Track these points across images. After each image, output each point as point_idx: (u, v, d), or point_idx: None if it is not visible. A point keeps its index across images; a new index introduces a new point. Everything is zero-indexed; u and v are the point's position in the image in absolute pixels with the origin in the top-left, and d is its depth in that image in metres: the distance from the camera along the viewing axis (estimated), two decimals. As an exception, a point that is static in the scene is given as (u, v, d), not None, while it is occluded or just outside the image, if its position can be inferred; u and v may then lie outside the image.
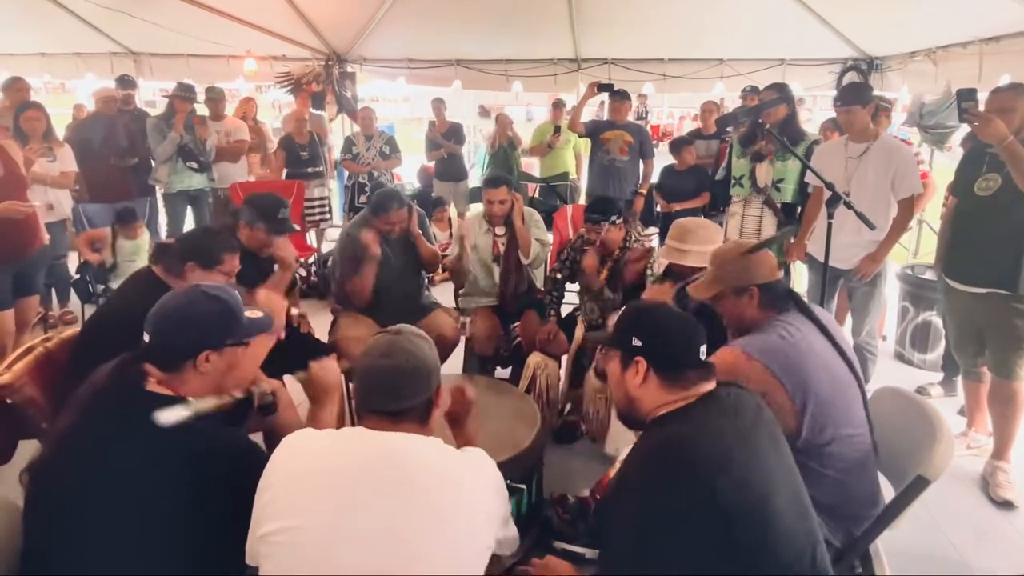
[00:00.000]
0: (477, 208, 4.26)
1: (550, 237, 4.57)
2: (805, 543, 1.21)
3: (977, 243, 2.72)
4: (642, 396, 1.38)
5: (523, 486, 2.25)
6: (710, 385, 1.36)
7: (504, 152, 6.54)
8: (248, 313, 1.56)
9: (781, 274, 1.82)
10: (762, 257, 1.85)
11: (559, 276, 3.20)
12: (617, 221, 2.89)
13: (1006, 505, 2.70)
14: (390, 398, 1.25)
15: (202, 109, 5.34)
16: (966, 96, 2.54)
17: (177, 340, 1.42)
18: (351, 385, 2.13)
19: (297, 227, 3.09)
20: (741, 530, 1.13)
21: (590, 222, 2.92)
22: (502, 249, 3.34)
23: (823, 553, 1.26)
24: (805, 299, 1.87)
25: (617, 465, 2.27)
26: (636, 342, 1.39)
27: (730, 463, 1.18)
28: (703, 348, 1.38)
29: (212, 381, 1.47)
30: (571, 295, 3.36)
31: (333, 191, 6.64)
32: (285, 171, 5.67)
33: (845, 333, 3.49)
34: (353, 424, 1.30)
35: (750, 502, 1.15)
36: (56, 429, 1.38)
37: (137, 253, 4.21)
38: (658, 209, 5.52)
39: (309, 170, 5.73)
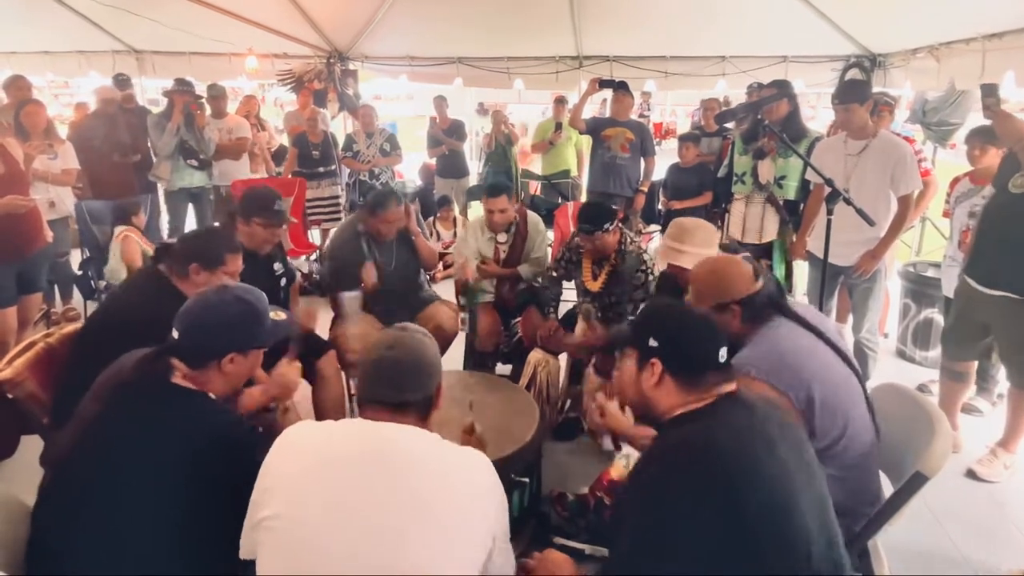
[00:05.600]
0: (478, 208, 4.26)
1: (551, 235, 4.59)
2: (824, 544, 1.19)
3: (1003, 240, 2.65)
4: (657, 397, 1.36)
5: (526, 479, 2.26)
6: (730, 387, 1.33)
7: (502, 150, 6.55)
8: (272, 315, 1.61)
9: (759, 284, 1.78)
10: (734, 270, 1.79)
11: (555, 274, 3.20)
12: (610, 228, 2.83)
13: (971, 475, 2.82)
14: (393, 389, 1.27)
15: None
16: (988, 92, 2.52)
17: (207, 341, 1.47)
18: (356, 377, 2.14)
19: (294, 218, 3.06)
20: (760, 529, 1.12)
21: (582, 232, 2.86)
22: (502, 256, 3.35)
23: (841, 555, 1.24)
24: (802, 298, 1.85)
25: (616, 462, 2.29)
26: (653, 343, 1.36)
27: (756, 470, 1.16)
28: (723, 351, 1.34)
29: (234, 380, 1.53)
30: (570, 291, 3.36)
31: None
32: (295, 169, 5.70)
33: (846, 331, 3.52)
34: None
35: (773, 509, 1.14)
36: (78, 421, 1.41)
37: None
38: (660, 207, 5.53)
39: (321, 169, 5.77)
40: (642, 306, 1.57)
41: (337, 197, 5.91)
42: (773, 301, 1.80)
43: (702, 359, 1.33)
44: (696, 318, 1.39)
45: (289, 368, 1.92)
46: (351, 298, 2.90)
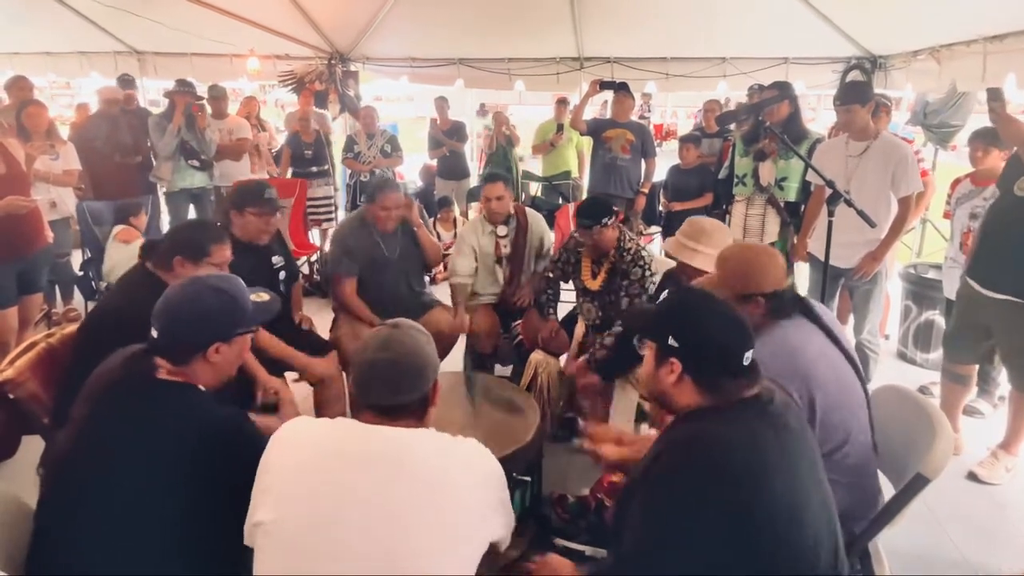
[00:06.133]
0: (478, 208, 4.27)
1: (552, 236, 4.59)
2: (828, 550, 1.19)
3: (1005, 243, 2.65)
4: (675, 394, 1.32)
5: (528, 478, 2.26)
6: (753, 390, 1.28)
7: (503, 151, 6.54)
8: (253, 297, 1.58)
9: (789, 281, 1.76)
10: (769, 264, 1.75)
11: (551, 276, 3.20)
12: (608, 223, 2.83)
13: (972, 477, 2.82)
14: (387, 393, 1.24)
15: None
16: (993, 96, 2.54)
17: (186, 336, 1.44)
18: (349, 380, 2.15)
19: (284, 204, 3.06)
20: (769, 538, 1.11)
21: (581, 227, 2.86)
22: (504, 251, 3.34)
23: (843, 557, 1.24)
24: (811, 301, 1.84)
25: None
26: (673, 343, 1.29)
27: (766, 474, 1.14)
28: (749, 354, 1.27)
29: (223, 368, 1.50)
30: (569, 292, 3.35)
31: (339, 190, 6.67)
32: (290, 170, 5.71)
33: (847, 333, 3.51)
34: None
35: (781, 513, 1.13)
36: (72, 422, 1.40)
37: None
38: (660, 208, 5.54)
39: (314, 169, 5.78)
40: (665, 294, 1.45)
41: (330, 197, 5.91)
42: (799, 299, 1.79)
43: (724, 367, 1.27)
44: (722, 320, 1.30)
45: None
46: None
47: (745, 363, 1.27)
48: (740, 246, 1.90)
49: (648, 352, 1.38)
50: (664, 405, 1.37)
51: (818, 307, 1.83)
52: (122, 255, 4.02)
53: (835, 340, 1.74)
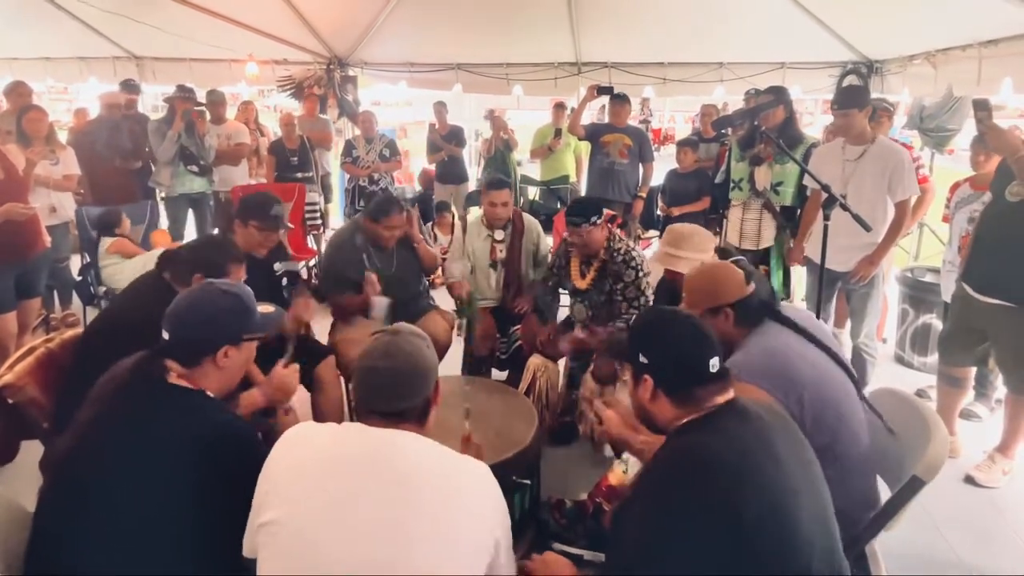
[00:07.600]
0: (477, 212, 4.27)
1: (550, 240, 4.60)
2: (824, 551, 1.20)
3: (998, 248, 2.67)
4: (655, 411, 1.36)
5: (528, 481, 2.27)
6: (727, 396, 1.32)
7: (501, 155, 6.56)
8: (260, 309, 1.61)
9: (751, 288, 1.82)
10: (727, 276, 1.83)
11: (549, 284, 3.20)
12: (597, 221, 2.86)
13: (970, 480, 2.83)
14: (389, 400, 1.26)
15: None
16: (980, 106, 2.54)
17: (197, 337, 1.46)
18: (351, 386, 2.16)
19: (291, 225, 3.09)
20: (760, 539, 1.12)
21: (571, 224, 2.90)
22: (500, 255, 3.34)
23: (841, 558, 1.25)
24: (801, 304, 1.87)
25: (615, 468, 2.29)
26: (643, 359, 1.36)
27: (754, 480, 1.16)
28: (714, 361, 1.32)
29: (230, 374, 1.52)
30: (566, 296, 3.37)
31: (335, 193, 6.68)
32: (275, 176, 5.71)
33: (844, 336, 3.52)
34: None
35: (773, 517, 1.14)
36: (77, 423, 1.41)
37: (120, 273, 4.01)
38: (658, 212, 5.55)
39: (299, 175, 5.72)
40: (635, 315, 1.54)
41: (316, 203, 5.88)
42: (766, 305, 1.83)
43: (691, 375, 1.31)
44: (683, 330, 1.36)
45: (287, 371, 1.93)
46: (382, 304, 2.91)
47: (712, 370, 1.31)
48: (699, 268, 1.98)
49: (628, 376, 1.44)
50: (650, 426, 1.42)
51: (790, 310, 1.88)
52: (125, 271, 3.97)
53: (812, 338, 1.77)
